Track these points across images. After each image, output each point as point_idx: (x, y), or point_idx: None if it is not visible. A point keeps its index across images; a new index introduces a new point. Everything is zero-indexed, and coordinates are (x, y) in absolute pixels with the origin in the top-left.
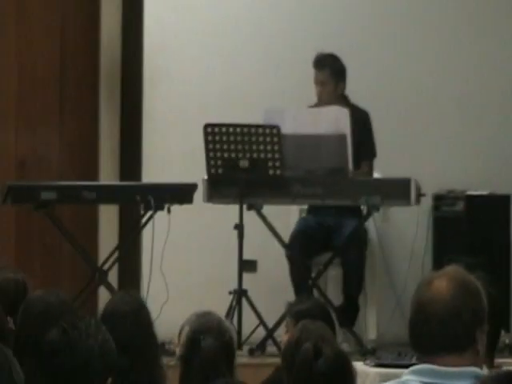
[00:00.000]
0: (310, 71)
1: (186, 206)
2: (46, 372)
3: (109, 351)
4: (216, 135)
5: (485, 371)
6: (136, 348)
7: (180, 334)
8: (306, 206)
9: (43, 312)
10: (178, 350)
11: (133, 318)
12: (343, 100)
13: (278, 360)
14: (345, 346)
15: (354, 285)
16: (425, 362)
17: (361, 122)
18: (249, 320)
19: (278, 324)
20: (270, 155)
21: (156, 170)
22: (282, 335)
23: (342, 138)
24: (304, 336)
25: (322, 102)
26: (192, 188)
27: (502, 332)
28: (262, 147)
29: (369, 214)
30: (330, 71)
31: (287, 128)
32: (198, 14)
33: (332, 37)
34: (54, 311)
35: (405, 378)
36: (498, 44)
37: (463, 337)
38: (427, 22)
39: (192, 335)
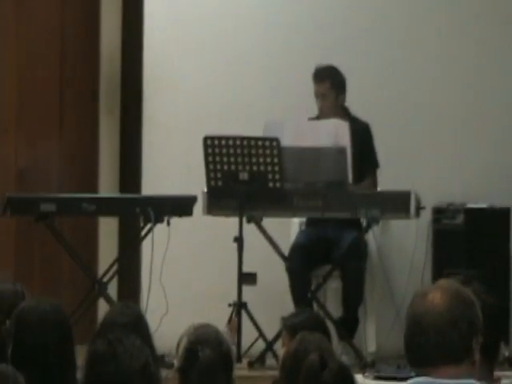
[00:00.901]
0: (311, 83)
1: (185, 219)
2: (85, 380)
3: (150, 375)
4: (216, 147)
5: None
6: None
7: (178, 345)
8: (305, 219)
9: (39, 321)
10: (176, 362)
11: (132, 330)
12: (344, 112)
13: (277, 373)
14: (344, 359)
15: (353, 297)
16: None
17: (362, 133)
18: (248, 333)
19: (277, 336)
20: (269, 168)
21: (156, 182)
22: (280, 348)
23: (342, 150)
24: (303, 347)
25: (323, 114)
26: (192, 200)
27: (502, 345)
28: (261, 160)
29: (368, 226)
30: (330, 83)
31: (287, 140)
32: (199, 25)
33: (332, 48)
34: (49, 319)
35: None
36: (497, 57)
37: (460, 347)
38: (427, 35)
39: (190, 346)
